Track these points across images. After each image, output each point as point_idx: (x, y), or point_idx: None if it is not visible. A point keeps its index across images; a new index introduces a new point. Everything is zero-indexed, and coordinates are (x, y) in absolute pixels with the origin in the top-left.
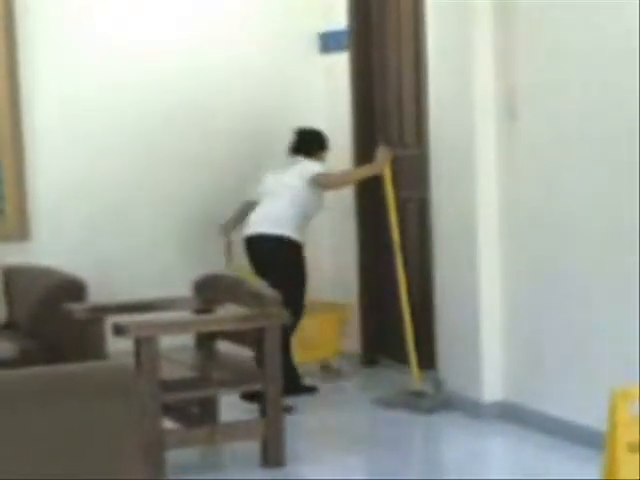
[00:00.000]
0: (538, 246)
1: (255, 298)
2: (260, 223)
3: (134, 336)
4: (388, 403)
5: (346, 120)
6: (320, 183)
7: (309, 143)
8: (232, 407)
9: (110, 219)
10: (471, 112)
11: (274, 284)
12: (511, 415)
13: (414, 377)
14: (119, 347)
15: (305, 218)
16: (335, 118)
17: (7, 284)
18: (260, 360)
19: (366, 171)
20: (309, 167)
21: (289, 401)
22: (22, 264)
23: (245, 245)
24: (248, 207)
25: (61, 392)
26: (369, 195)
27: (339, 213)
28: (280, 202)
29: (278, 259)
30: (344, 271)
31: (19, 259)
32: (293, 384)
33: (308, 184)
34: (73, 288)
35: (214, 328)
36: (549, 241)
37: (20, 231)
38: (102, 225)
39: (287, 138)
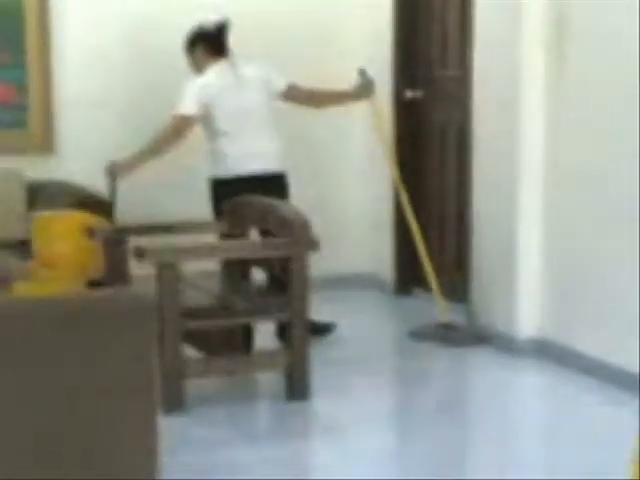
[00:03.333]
0: (581, 178)
1: (283, 224)
2: (262, 158)
3: (156, 261)
4: (419, 335)
5: (387, 34)
6: (294, 97)
7: (226, 39)
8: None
9: (136, 137)
10: (519, 34)
11: None
12: (546, 352)
13: (439, 308)
14: (142, 271)
15: None
16: (375, 32)
17: (31, 199)
18: (286, 289)
19: (343, 97)
20: (273, 78)
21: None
22: (46, 179)
23: (231, 185)
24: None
25: (78, 319)
26: (404, 125)
27: (371, 144)
28: (268, 129)
29: (285, 197)
30: (378, 198)
31: (43, 173)
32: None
33: (273, 98)
34: (97, 206)
35: (239, 255)
36: (593, 172)
37: (45, 145)
38: (129, 142)
39: (324, 54)
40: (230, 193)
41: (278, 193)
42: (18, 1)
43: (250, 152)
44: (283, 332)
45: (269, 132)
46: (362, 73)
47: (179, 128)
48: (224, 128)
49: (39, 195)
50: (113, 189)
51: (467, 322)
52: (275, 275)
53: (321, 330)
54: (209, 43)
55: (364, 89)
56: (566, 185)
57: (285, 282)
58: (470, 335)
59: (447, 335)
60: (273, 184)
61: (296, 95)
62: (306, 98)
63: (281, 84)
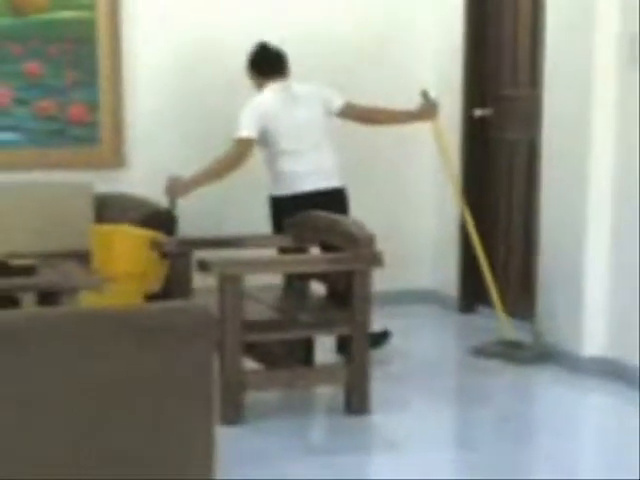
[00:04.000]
0: None
1: (347, 239)
2: (321, 175)
3: (218, 274)
4: (483, 352)
5: (458, 53)
6: (351, 115)
7: (285, 61)
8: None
9: (203, 153)
10: (591, 53)
11: None
12: (612, 371)
13: (502, 326)
14: (206, 283)
15: None
16: (446, 51)
17: (100, 212)
18: (348, 303)
19: (403, 116)
20: (329, 96)
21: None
22: (116, 192)
23: (292, 202)
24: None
25: (139, 330)
26: (473, 143)
27: (437, 164)
28: (326, 145)
29: (346, 213)
30: (444, 216)
31: (113, 187)
32: None
33: (330, 116)
34: (164, 220)
35: (302, 269)
36: None
37: (115, 159)
38: (196, 158)
39: (395, 73)
40: (291, 210)
41: (338, 208)
42: (91, 24)
43: (310, 169)
44: (343, 347)
45: (327, 149)
46: (425, 95)
47: (240, 152)
48: (283, 147)
49: (107, 208)
50: (173, 204)
51: (533, 340)
52: (336, 289)
53: (377, 339)
54: (255, 65)
55: (427, 111)
56: (635, 205)
57: (346, 296)
58: (535, 353)
59: (511, 352)
60: (333, 200)
61: (354, 112)
62: (364, 116)
63: (338, 102)
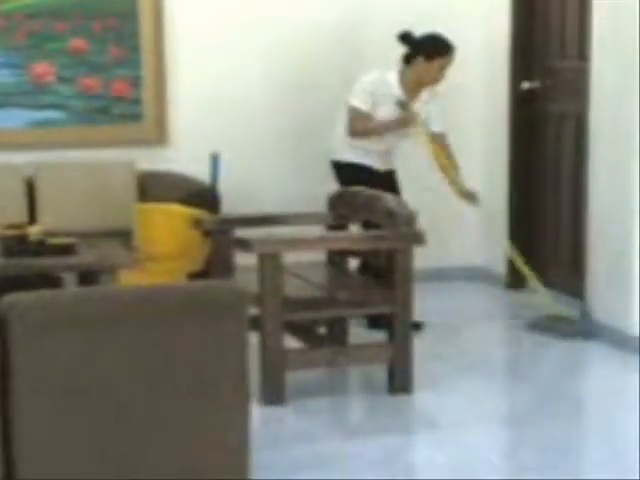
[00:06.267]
0: None
1: (389, 216)
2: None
3: (258, 252)
4: (530, 327)
5: (505, 26)
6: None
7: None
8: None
9: (248, 128)
10: (638, 25)
11: None
12: None
13: (548, 301)
14: (248, 261)
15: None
16: (493, 23)
17: (142, 189)
18: (390, 282)
19: (388, 125)
20: (353, 91)
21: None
22: (159, 170)
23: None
24: None
25: (172, 309)
26: (520, 115)
27: (485, 137)
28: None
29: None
30: (492, 192)
31: (157, 165)
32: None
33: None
34: (208, 198)
35: (342, 246)
36: None
37: (158, 136)
38: (239, 135)
39: None
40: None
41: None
42: (133, 2)
43: None
44: (374, 323)
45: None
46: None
47: None
48: None
49: (151, 186)
50: (215, 181)
51: (580, 316)
52: (376, 265)
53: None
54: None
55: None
56: None
57: (387, 274)
58: (582, 329)
59: (559, 328)
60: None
61: (349, 117)
62: (353, 126)
63: (351, 100)
